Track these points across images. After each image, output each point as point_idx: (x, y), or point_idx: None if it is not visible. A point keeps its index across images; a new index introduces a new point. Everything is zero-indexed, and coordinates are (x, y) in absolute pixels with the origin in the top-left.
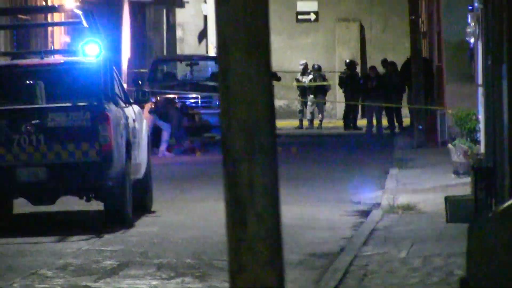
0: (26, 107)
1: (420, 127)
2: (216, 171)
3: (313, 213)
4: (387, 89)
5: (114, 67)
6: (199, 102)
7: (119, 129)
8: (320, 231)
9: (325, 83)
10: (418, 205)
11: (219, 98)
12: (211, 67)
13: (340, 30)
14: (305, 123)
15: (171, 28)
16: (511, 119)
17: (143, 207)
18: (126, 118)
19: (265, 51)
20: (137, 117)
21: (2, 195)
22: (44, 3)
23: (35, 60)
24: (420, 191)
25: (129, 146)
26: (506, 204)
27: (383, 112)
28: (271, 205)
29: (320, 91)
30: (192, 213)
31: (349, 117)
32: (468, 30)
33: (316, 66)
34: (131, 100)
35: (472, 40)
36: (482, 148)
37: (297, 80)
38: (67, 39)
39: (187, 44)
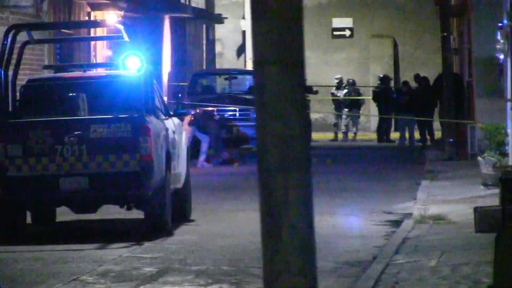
0: (69, 119)
1: (451, 140)
2: (253, 182)
3: (346, 223)
4: (419, 104)
5: (154, 80)
6: (237, 114)
7: (159, 141)
8: (353, 240)
9: (359, 97)
10: (448, 216)
11: (256, 112)
12: (249, 81)
13: (374, 46)
14: (340, 135)
15: (211, 43)
16: None
17: (182, 216)
18: (166, 129)
19: (299, 67)
20: (176, 129)
21: (45, 203)
22: (87, 18)
23: (78, 73)
24: (450, 202)
25: (168, 156)
26: None
27: (415, 126)
28: (305, 216)
29: (355, 105)
30: (230, 222)
31: (382, 130)
32: (498, 46)
33: (350, 80)
34: (171, 113)
35: (501, 56)
36: (510, 161)
37: (332, 94)
38: (109, 53)
39: (225, 59)
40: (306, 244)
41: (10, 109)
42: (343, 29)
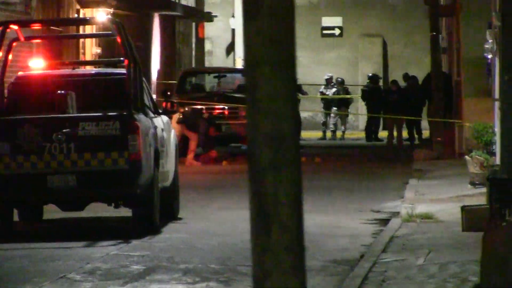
0: (58, 116)
1: (439, 139)
2: (241, 180)
3: (334, 221)
4: (408, 103)
5: (144, 78)
6: (226, 113)
7: (148, 139)
8: (341, 239)
9: (348, 96)
10: (436, 214)
11: (247, 111)
12: (238, 79)
13: (363, 45)
14: (328, 134)
15: (200, 41)
16: None
17: (170, 214)
18: (155, 127)
19: (291, 66)
20: (165, 127)
21: (33, 201)
22: (76, 16)
23: (66, 71)
24: (437, 201)
25: (157, 154)
26: None
27: (404, 125)
28: (295, 214)
29: (343, 104)
30: (218, 221)
31: (370, 129)
32: (486, 46)
33: (339, 79)
34: (160, 111)
35: (489, 56)
36: (497, 160)
37: (321, 93)
38: (98, 50)
39: (215, 57)
40: (296, 243)
41: None
42: (332, 28)
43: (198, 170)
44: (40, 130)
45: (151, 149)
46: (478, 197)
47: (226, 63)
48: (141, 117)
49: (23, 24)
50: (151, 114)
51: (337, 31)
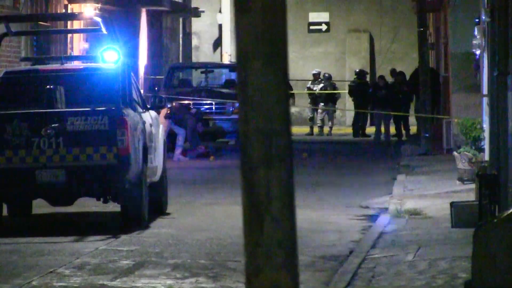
0: (46, 111)
1: (427, 135)
2: (229, 175)
3: (323, 217)
4: (395, 98)
5: (132, 73)
6: (213, 108)
7: (136, 134)
8: (330, 234)
9: (335, 91)
10: (424, 210)
11: (238, 107)
12: (225, 74)
13: (350, 41)
14: (316, 130)
15: (187, 36)
16: None
17: (158, 209)
18: (143, 123)
19: (282, 61)
20: (153, 122)
21: (21, 196)
22: (64, 11)
23: (55, 66)
24: (426, 197)
25: (145, 149)
26: (509, 211)
27: (391, 120)
28: (287, 209)
29: (330, 99)
30: (206, 216)
31: (358, 124)
32: (474, 42)
33: (326, 75)
34: (148, 106)
35: (478, 52)
36: (486, 156)
37: (308, 88)
38: (86, 45)
39: (202, 52)
40: (288, 238)
41: None
42: (319, 23)
43: (185, 165)
44: (29, 125)
45: (140, 144)
46: (466, 193)
47: (213, 58)
48: (129, 112)
49: (12, 19)
50: (140, 109)
51: (324, 27)
